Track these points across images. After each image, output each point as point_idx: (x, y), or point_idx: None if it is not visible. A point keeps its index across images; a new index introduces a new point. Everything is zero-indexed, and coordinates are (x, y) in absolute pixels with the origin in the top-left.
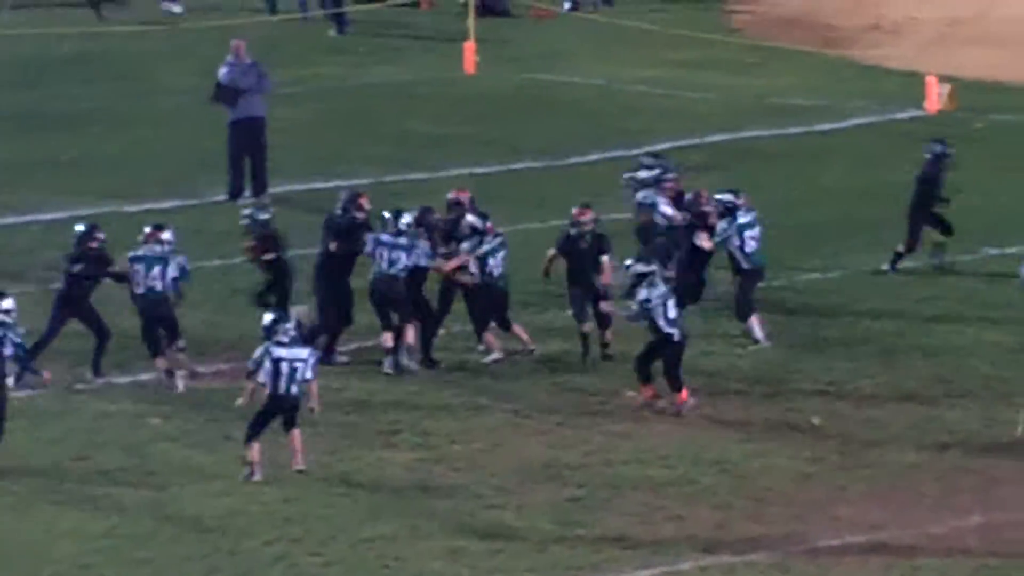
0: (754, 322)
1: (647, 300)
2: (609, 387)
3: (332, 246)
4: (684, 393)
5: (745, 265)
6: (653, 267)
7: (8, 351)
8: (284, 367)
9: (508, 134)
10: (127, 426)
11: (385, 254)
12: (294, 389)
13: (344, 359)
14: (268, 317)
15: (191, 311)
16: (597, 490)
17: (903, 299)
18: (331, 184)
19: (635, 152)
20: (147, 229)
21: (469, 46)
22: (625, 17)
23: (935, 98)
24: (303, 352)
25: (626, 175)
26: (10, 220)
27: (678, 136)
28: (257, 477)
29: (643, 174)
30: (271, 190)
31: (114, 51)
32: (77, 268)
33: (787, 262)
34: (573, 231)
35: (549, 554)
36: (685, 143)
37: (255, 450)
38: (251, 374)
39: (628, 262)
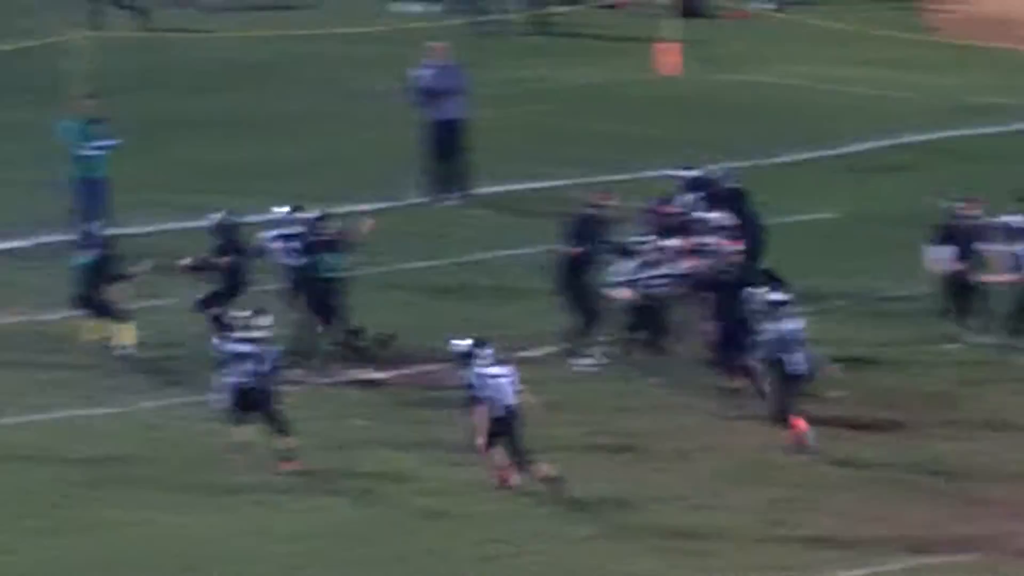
0: None
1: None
2: (817, 388)
3: (569, 247)
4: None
5: None
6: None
7: (266, 368)
8: (504, 382)
9: (710, 135)
10: (331, 427)
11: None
12: (512, 400)
13: (589, 362)
14: (463, 344)
15: (395, 314)
16: (805, 490)
17: None
18: (531, 185)
19: (838, 152)
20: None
21: (669, 47)
22: (820, 17)
23: None
24: (505, 368)
25: None
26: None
27: (879, 135)
28: (514, 481)
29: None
30: (474, 191)
31: (311, 54)
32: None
33: None
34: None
35: (757, 554)
36: (886, 143)
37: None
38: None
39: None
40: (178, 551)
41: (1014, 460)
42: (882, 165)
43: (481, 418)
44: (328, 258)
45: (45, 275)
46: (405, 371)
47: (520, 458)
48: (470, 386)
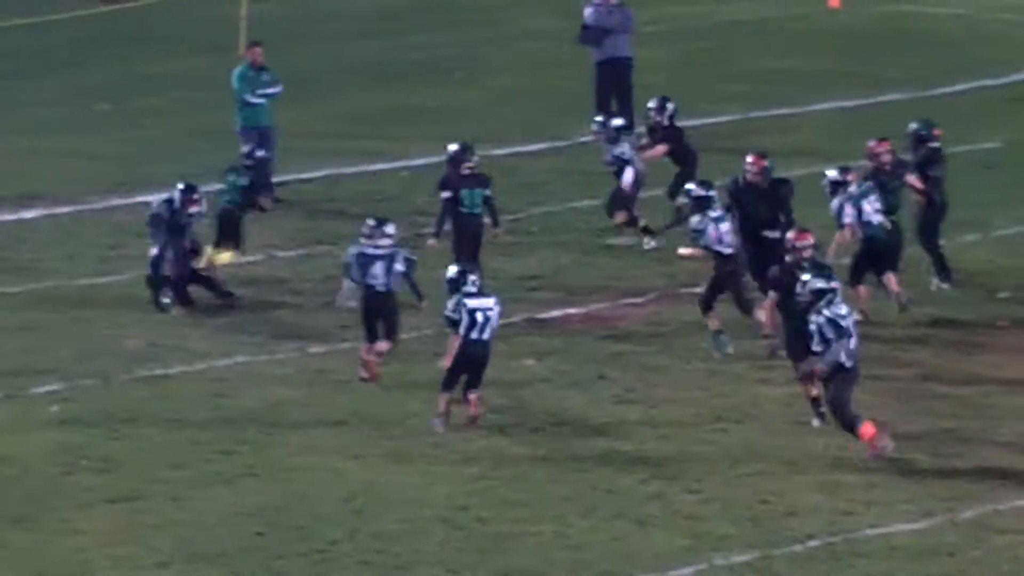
0: None
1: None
2: (983, 318)
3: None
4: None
5: None
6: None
7: (399, 267)
8: (480, 316)
9: (870, 67)
10: (502, 368)
11: None
12: (486, 336)
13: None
14: (453, 270)
15: (560, 254)
16: (972, 421)
17: None
18: (697, 122)
19: (1000, 81)
20: (370, 223)
21: None
22: None
23: None
24: (489, 300)
25: None
26: (379, 166)
27: None
28: (441, 429)
29: None
30: (638, 129)
31: None
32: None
33: None
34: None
35: (925, 486)
36: None
37: (445, 400)
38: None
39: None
40: (346, 494)
41: None
42: None
43: (454, 344)
44: (467, 194)
45: (213, 223)
46: (573, 311)
47: (471, 388)
48: (452, 312)
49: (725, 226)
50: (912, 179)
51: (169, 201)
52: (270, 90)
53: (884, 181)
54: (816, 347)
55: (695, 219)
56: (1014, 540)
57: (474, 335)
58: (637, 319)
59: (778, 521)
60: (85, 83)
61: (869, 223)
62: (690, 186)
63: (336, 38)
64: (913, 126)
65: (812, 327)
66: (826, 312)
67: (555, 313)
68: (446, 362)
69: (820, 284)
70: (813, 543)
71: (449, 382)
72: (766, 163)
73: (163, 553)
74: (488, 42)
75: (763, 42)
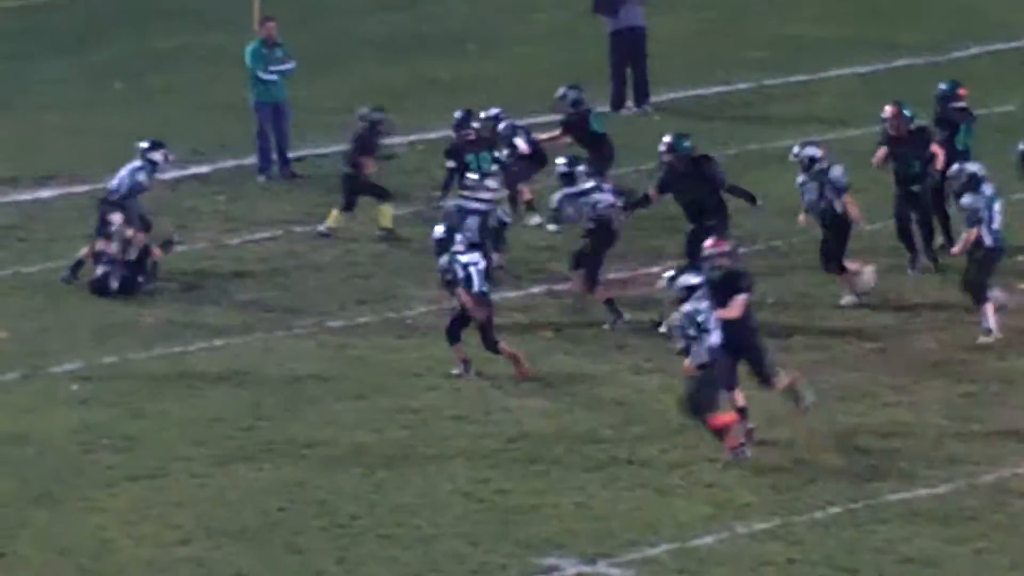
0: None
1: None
2: (999, 282)
3: None
4: None
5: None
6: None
7: (493, 223)
8: (473, 271)
9: (886, 32)
10: (520, 339)
11: None
12: (485, 288)
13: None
14: (439, 230)
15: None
16: (991, 384)
17: None
18: (712, 91)
19: (1015, 45)
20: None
21: None
22: None
23: None
24: (476, 255)
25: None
26: (395, 140)
27: None
28: (467, 375)
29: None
30: (653, 98)
31: None
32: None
33: None
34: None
35: (945, 449)
36: None
37: (459, 351)
38: (450, 284)
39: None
40: (366, 468)
41: None
42: None
43: (465, 298)
44: (472, 159)
45: (230, 200)
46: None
47: (488, 346)
48: (446, 271)
49: (594, 198)
50: (936, 148)
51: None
52: (283, 66)
53: (901, 151)
54: (679, 343)
55: (554, 196)
56: None
57: (475, 288)
58: (655, 288)
59: (799, 488)
60: (97, 61)
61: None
62: (558, 161)
63: (349, 12)
64: (941, 87)
65: (675, 324)
66: (686, 308)
67: (570, 284)
68: (478, 315)
69: (692, 280)
70: (834, 509)
71: (454, 334)
72: (683, 143)
73: (184, 530)
74: (501, 13)
75: (776, 10)
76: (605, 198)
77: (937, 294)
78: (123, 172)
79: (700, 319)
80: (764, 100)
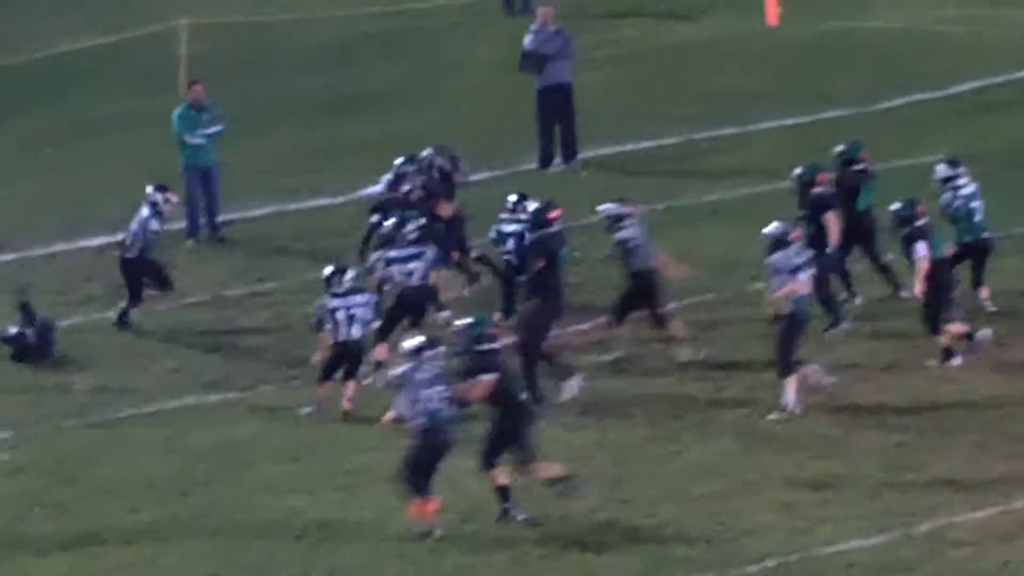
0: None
1: None
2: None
3: None
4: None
5: None
6: None
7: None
8: (341, 315)
9: (813, 83)
10: None
11: None
12: (355, 333)
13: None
14: (327, 269)
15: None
16: (925, 434)
17: None
18: (641, 146)
19: (942, 94)
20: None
21: None
22: None
23: None
24: (360, 298)
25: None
26: (323, 202)
27: (985, 75)
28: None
29: None
30: (581, 155)
31: (413, 28)
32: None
33: None
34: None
35: (880, 500)
36: (993, 81)
37: (326, 388)
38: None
39: None
40: (301, 531)
41: None
42: (987, 103)
43: (322, 340)
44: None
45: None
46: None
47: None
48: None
49: (409, 265)
50: (831, 218)
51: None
52: (211, 129)
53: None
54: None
55: (374, 256)
56: (970, 553)
57: (341, 333)
58: (584, 343)
59: (734, 542)
60: (28, 130)
61: None
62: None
63: (276, 75)
64: (841, 148)
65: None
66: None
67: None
68: (315, 358)
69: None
70: (769, 563)
71: (322, 375)
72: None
73: None
74: (427, 72)
75: (705, 63)
76: (414, 267)
77: (869, 341)
78: (133, 226)
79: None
80: (693, 154)
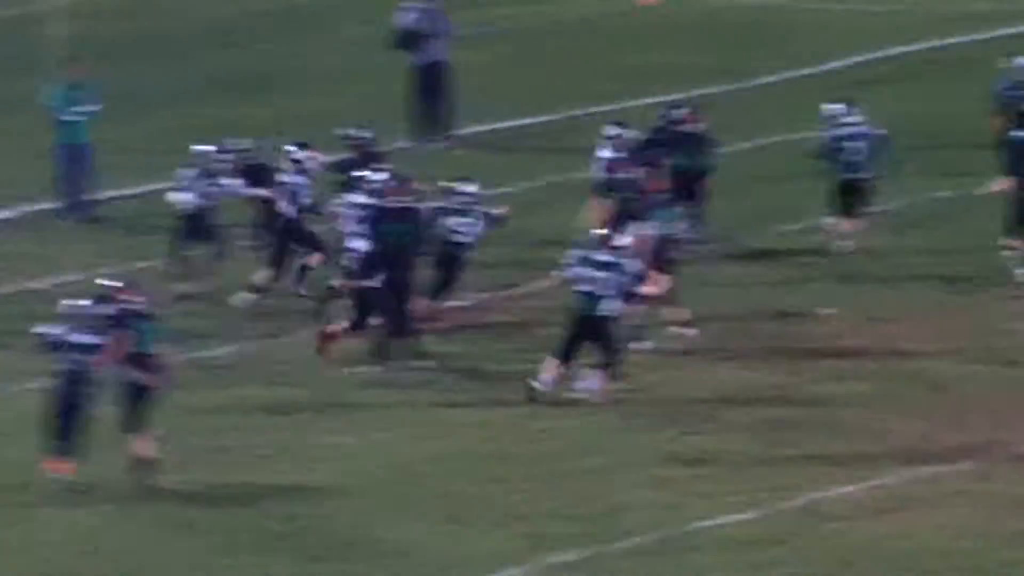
0: None
1: None
2: (800, 307)
3: None
4: None
5: None
6: None
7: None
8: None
9: (692, 59)
10: (326, 376)
11: None
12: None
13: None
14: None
15: None
16: (797, 409)
17: None
18: (518, 123)
19: (823, 69)
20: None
21: None
22: None
23: None
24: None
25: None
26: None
27: (862, 50)
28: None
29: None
30: (456, 132)
31: (295, 7)
32: None
33: (987, 170)
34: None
35: (752, 475)
36: (870, 56)
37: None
38: None
39: None
40: (178, 502)
41: (1003, 365)
42: (864, 79)
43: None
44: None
45: (33, 244)
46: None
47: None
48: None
49: None
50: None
51: None
52: (86, 107)
53: None
54: None
55: None
56: (842, 526)
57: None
58: (457, 321)
59: (608, 518)
60: None
61: None
62: None
63: (163, 55)
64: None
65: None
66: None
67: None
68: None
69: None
70: (643, 538)
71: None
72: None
73: None
74: (309, 51)
75: (580, 41)
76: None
77: (742, 320)
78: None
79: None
80: (570, 131)
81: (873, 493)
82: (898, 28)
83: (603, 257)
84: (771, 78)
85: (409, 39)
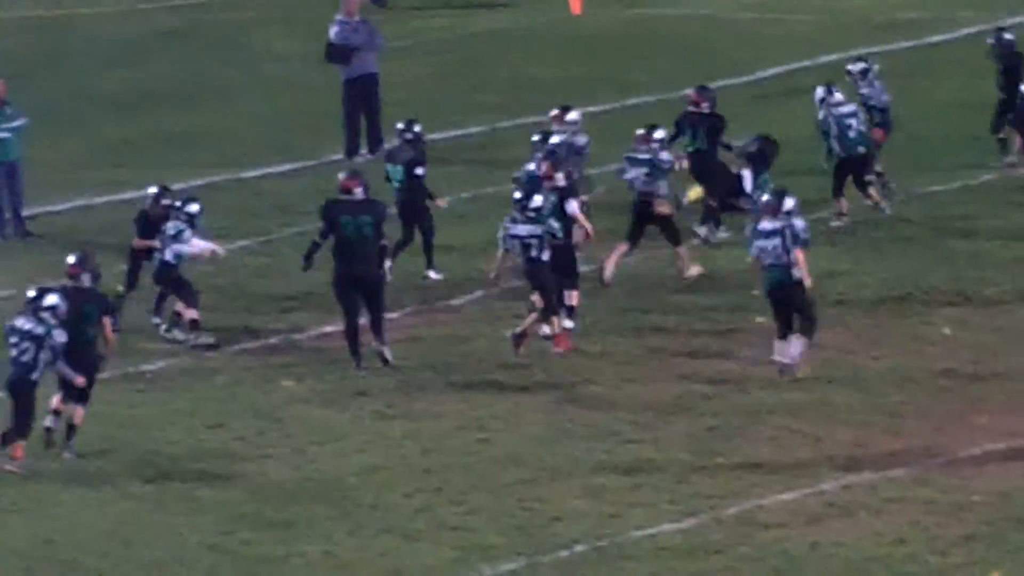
0: None
1: None
2: (737, 315)
3: None
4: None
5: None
6: None
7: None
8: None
9: (619, 71)
10: (260, 390)
11: None
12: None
13: None
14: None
15: (315, 273)
16: (733, 417)
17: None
18: (448, 135)
19: (746, 80)
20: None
21: None
22: None
23: None
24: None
25: None
26: (129, 195)
27: (788, 60)
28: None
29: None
30: (387, 144)
31: (219, 21)
32: None
33: (906, 176)
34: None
35: (689, 484)
36: (796, 66)
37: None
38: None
39: None
40: (112, 525)
41: (938, 372)
42: (792, 88)
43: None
44: None
45: None
46: (330, 329)
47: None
48: None
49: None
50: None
51: None
52: (14, 123)
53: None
54: None
55: None
56: (779, 534)
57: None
58: (394, 334)
59: (544, 528)
60: None
61: None
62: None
63: (82, 70)
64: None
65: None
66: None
67: (312, 332)
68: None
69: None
70: (580, 548)
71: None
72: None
73: None
74: (234, 65)
75: (511, 52)
76: None
77: (675, 328)
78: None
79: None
80: (498, 143)
81: (810, 500)
82: (827, 36)
83: (770, 225)
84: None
85: (339, 53)
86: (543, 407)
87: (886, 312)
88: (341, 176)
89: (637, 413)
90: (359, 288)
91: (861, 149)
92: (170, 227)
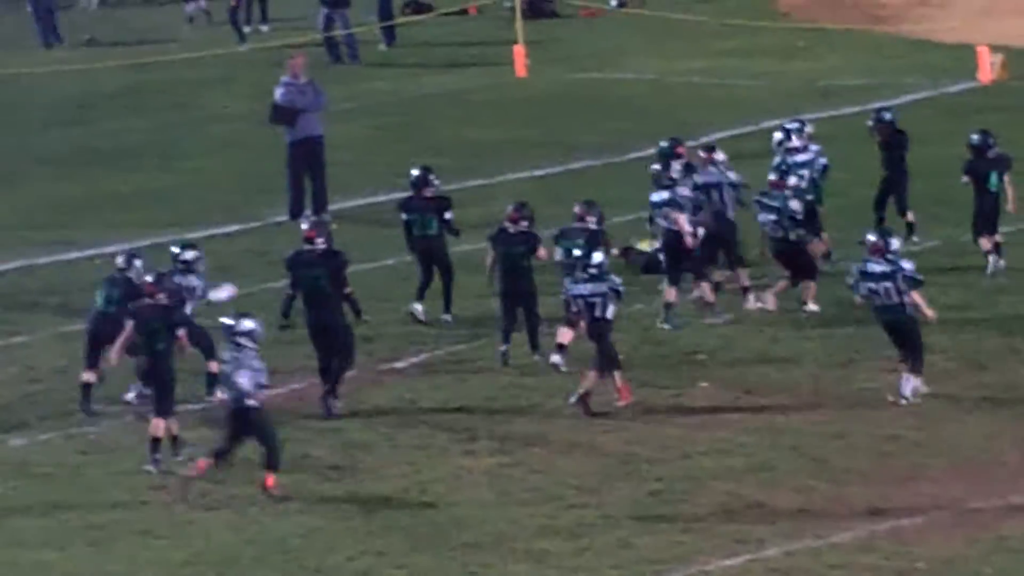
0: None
1: None
2: (680, 380)
3: None
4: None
5: None
6: None
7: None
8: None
9: (564, 135)
10: (203, 450)
11: None
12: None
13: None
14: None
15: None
16: (677, 483)
17: (969, 272)
18: (391, 197)
19: (691, 143)
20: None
21: (519, 50)
22: (672, 9)
23: (988, 68)
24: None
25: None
26: (73, 255)
27: (733, 125)
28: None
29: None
30: (331, 206)
31: (163, 82)
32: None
33: (849, 240)
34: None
35: (633, 550)
36: (740, 131)
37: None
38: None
39: None
40: None
41: (881, 437)
42: (737, 152)
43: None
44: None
45: None
46: (274, 391)
47: None
48: None
49: None
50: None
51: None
52: None
53: None
54: None
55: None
56: None
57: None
58: (341, 390)
59: None
60: None
61: None
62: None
63: (25, 129)
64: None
65: None
66: None
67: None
68: None
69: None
70: None
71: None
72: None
73: None
74: (179, 126)
75: (455, 115)
76: None
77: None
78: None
79: None
80: None
81: (754, 566)
82: (773, 100)
83: (879, 268)
84: (643, 152)
85: (284, 114)
86: (487, 470)
87: (829, 378)
88: (304, 226)
89: (581, 477)
90: (324, 337)
91: (810, 197)
92: (194, 280)
